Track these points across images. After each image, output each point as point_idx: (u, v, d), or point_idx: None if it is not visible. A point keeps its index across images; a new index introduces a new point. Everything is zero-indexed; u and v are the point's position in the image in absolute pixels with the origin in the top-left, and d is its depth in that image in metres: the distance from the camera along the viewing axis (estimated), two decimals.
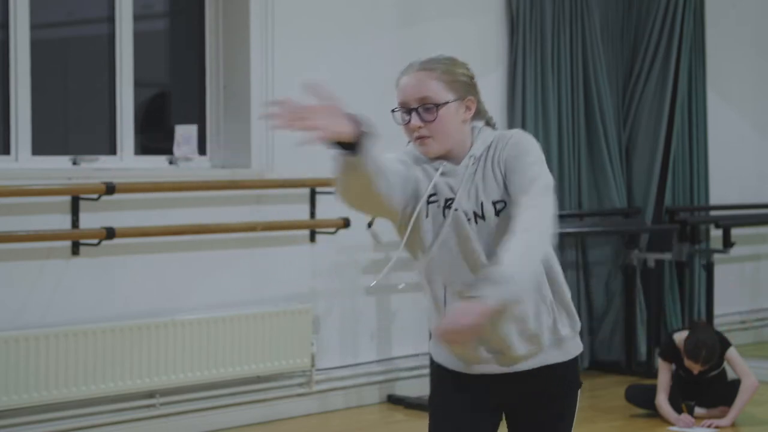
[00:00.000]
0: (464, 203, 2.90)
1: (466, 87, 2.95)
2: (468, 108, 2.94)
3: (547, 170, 2.87)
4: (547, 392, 3.01)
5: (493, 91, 7.39)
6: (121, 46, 6.07)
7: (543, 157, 2.90)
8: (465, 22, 7.26)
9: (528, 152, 2.87)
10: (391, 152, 3.02)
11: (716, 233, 8.26)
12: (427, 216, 2.92)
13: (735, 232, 8.25)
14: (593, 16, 7.75)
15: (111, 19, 6.07)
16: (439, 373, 3.08)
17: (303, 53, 6.48)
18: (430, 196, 2.92)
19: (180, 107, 6.60)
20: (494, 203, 2.88)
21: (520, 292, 2.71)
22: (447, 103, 2.90)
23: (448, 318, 2.67)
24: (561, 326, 2.98)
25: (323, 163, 7.07)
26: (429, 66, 2.95)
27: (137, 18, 6.13)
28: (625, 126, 8.15)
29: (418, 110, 2.90)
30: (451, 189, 2.91)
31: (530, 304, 2.92)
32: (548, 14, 7.48)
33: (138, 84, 6.14)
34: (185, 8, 6.56)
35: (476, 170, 2.91)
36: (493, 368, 2.97)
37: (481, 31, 7.35)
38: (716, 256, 8.20)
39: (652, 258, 7.76)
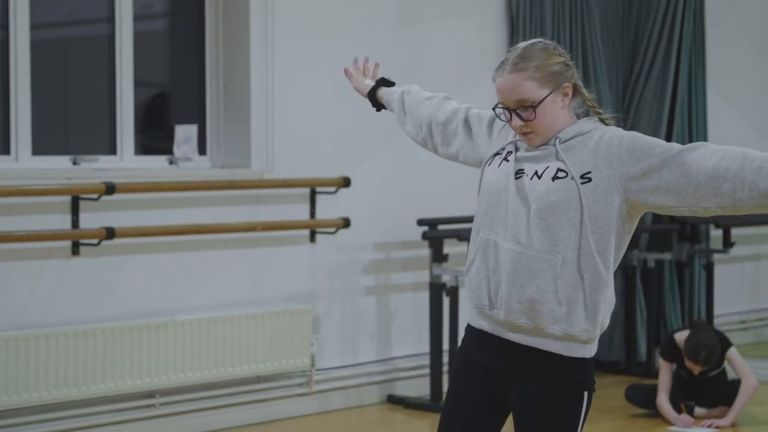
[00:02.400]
0: (523, 161, 3.03)
1: (561, 75, 3.01)
2: (565, 94, 3.02)
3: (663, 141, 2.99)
4: (547, 382, 3.02)
5: (493, 92, 7.37)
6: (121, 46, 6.07)
7: (653, 139, 2.99)
8: (465, 22, 7.26)
9: (644, 148, 2.95)
10: (475, 109, 3.30)
11: (716, 233, 8.26)
12: (489, 164, 3.11)
13: (735, 232, 8.25)
14: (593, 16, 7.74)
15: (111, 19, 6.07)
16: (459, 358, 3.17)
17: (303, 53, 6.48)
18: (499, 152, 3.10)
19: (180, 107, 6.60)
20: (558, 171, 2.96)
21: None
22: (543, 100, 2.97)
23: None
24: (575, 323, 2.98)
25: (323, 163, 7.10)
26: (521, 66, 2.99)
27: (137, 18, 6.13)
28: (625, 126, 8.09)
29: (517, 111, 2.99)
30: (517, 148, 3.06)
31: (561, 286, 2.96)
32: (548, 14, 7.48)
33: (138, 84, 6.13)
34: (185, 8, 6.56)
35: (560, 144, 2.99)
36: (496, 327, 3.05)
37: (481, 31, 7.34)
38: (716, 256, 8.20)
39: (652, 258, 7.76)
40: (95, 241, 5.65)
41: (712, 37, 8.51)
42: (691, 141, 8.35)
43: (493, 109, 3.08)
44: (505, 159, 3.05)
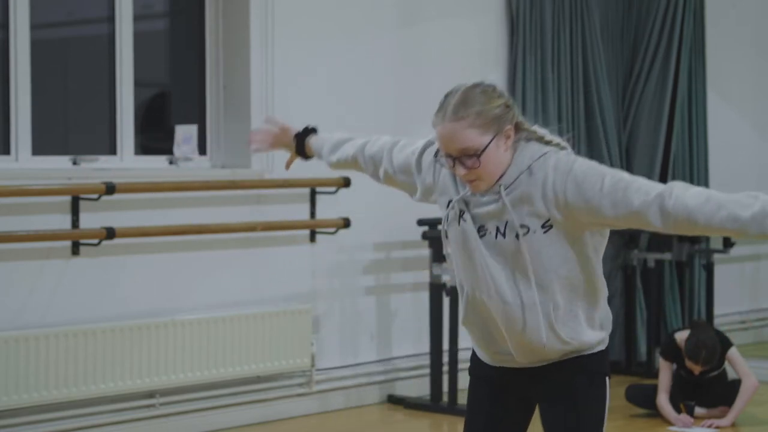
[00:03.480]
0: (480, 218, 2.96)
1: (502, 119, 2.90)
2: (508, 136, 2.91)
3: (616, 172, 2.89)
4: (570, 378, 3.06)
5: None
6: (121, 46, 6.07)
7: (603, 169, 2.89)
8: (465, 22, 7.26)
9: (593, 182, 2.86)
10: (410, 148, 3.16)
11: None
12: (447, 219, 3.03)
13: None
14: (593, 16, 7.74)
15: (111, 19, 6.07)
16: (474, 372, 3.20)
17: (303, 53, 6.48)
18: (452, 205, 3.02)
19: (180, 107, 6.60)
20: (519, 226, 2.91)
21: None
22: (486, 147, 2.87)
23: None
24: (585, 342, 3.03)
25: (323, 163, 7.06)
26: (461, 114, 2.87)
27: (137, 18, 6.13)
28: (625, 126, 8.14)
29: (461, 159, 2.89)
30: (468, 204, 2.98)
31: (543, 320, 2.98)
32: (548, 14, 7.48)
33: (138, 84, 6.13)
34: (185, 8, 6.56)
35: (508, 195, 2.92)
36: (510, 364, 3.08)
37: (481, 31, 7.35)
38: (716, 256, 8.20)
39: (652, 258, 7.76)
40: (95, 241, 5.65)
41: (712, 37, 8.51)
42: (691, 141, 8.36)
43: (435, 155, 3.02)
44: (462, 218, 2.99)
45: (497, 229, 2.94)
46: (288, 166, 3.56)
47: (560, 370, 3.05)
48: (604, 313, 3.10)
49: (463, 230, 2.99)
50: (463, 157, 2.88)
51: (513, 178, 2.91)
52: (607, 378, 3.12)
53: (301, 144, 3.51)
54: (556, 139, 2.97)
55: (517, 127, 2.94)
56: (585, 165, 2.90)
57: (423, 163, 3.13)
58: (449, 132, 2.88)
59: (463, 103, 2.88)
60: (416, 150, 3.16)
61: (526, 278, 2.94)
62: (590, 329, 3.03)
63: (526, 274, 2.94)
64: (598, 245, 3.02)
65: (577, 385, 3.06)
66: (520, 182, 2.91)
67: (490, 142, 2.87)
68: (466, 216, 2.98)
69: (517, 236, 2.92)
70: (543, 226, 2.90)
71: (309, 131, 3.53)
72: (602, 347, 3.09)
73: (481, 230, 2.96)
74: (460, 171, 2.90)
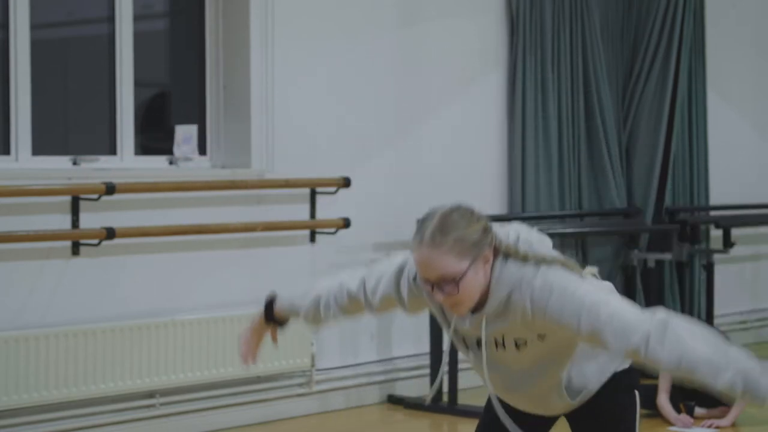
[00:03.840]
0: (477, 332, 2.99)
1: (480, 244, 2.85)
2: (486, 260, 2.88)
3: (593, 303, 2.82)
4: (598, 399, 3.13)
5: (493, 91, 7.40)
6: (121, 46, 6.07)
7: (580, 300, 2.83)
8: (465, 22, 7.26)
9: (569, 320, 2.83)
10: (383, 282, 3.10)
11: (716, 233, 8.26)
12: (447, 329, 3.06)
13: (735, 232, 8.25)
14: (593, 16, 7.74)
15: (111, 19, 6.07)
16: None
17: (303, 53, 6.48)
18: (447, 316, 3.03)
19: (180, 107, 6.60)
20: (515, 340, 2.95)
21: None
22: (465, 273, 2.83)
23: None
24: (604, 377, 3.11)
25: (323, 163, 7.09)
26: (438, 240, 2.82)
27: (137, 18, 6.12)
28: (625, 126, 8.14)
29: (440, 285, 2.85)
30: (465, 333, 3.01)
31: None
32: (548, 14, 7.48)
33: (138, 84, 6.13)
34: (185, 8, 6.56)
35: (493, 321, 2.94)
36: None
37: (481, 31, 7.34)
38: (716, 256, 8.20)
39: (652, 258, 7.76)
40: (95, 241, 5.64)
41: (712, 37, 8.52)
42: (691, 141, 8.36)
43: (414, 279, 3.00)
44: (455, 332, 3.01)
45: (495, 341, 2.97)
46: (275, 340, 3.46)
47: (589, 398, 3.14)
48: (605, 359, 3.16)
49: (464, 343, 3.04)
50: (441, 283, 2.84)
51: (493, 308, 2.90)
52: (636, 391, 3.17)
53: (269, 314, 3.37)
54: (532, 253, 2.91)
55: (495, 250, 2.90)
56: (560, 299, 2.84)
57: (402, 291, 3.08)
58: (426, 258, 2.83)
59: (441, 229, 2.83)
60: (389, 281, 3.10)
61: (532, 377, 3.02)
62: (608, 372, 3.11)
63: (532, 373, 3.02)
64: None
65: (606, 399, 3.10)
66: (501, 312, 2.90)
67: (468, 269, 2.82)
68: (464, 334, 3.01)
69: (517, 346, 2.96)
70: (539, 336, 2.93)
71: (271, 301, 3.37)
72: (626, 364, 3.13)
73: (480, 343, 2.98)
74: (439, 296, 2.86)
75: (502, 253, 2.89)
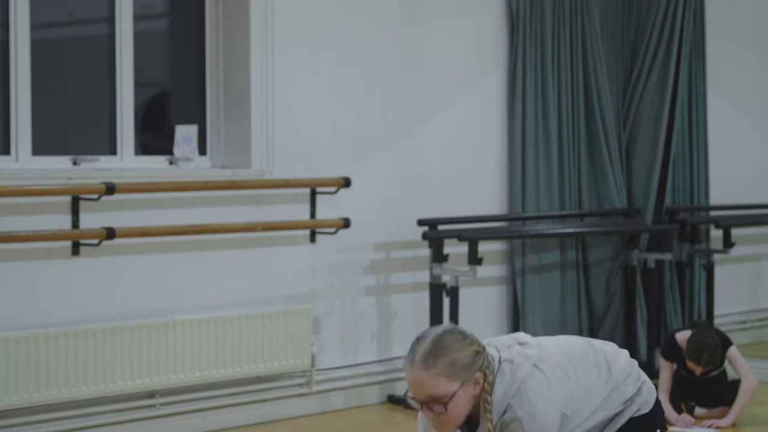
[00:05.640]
0: None
1: (471, 367, 2.95)
2: (476, 382, 2.96)
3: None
4: None
5: (493, 91, 7.40)
6: (121, 46, 6.07)
7: (537, 413, 2.95)
8: (465, 22, 7.26)
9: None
10: None
11: (716, 233, 8.26)
12: None
13: (735, 232, 8.24)
14: (593, 16, 7.74)
15: (111, 19, 6.07)
16: None
17: (303, 53, 6.48)
18: None
19: (180, 107, 6.60)
20: None
21: None
22: (454, 394, 2.93)
23: None
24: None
25: (323, 163, 7.09)
26: (430, 362, 2.93)
27: (137, 18, 6.13)
28: (625, 126, 8.14)
29: (429, 404, 2.95)
30: None
31: None
32: (548, 14, 7.48)
33: (138, 84, 6.14)
34: (185, 8, 6.56)
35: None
36: None
37: (481, 31, 7.35)
38: (716, 256, 8.20)
39: (652, 258, 7.75)
40: (95, 241, 5.65)
41: (712, 37, 8.51)
42: (691, 141, 8.36)
43: (405, 396, 3.07)
44: None
45: None
46: None
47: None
48: (630, 402, 3.19)
49: None
50: (430, 403, 2.94)
51: (487, 428, 2.99)
52: (658, 431, 3.22)
53: None
54: (521, 369, 2.99)
55: (486, 375, 2.97)
56: (526, 410, 2.95)
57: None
58: (417, 379, 2.95)
59: (433, 351, 2.93)
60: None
61: None
62: (615, 425, 3.18)
63: None
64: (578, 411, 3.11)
65: None
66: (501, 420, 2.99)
67: (457, 391, 2.92)
68: None
69: None
70: None
71: None
72: (645, 410, 3.19)
73: None
74: (428, 415, 2.96)
75: (490, 378, 2.97)
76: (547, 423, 2.94)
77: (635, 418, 3.14)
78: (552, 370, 3.03)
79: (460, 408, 2.93)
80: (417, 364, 2.93)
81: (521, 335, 3.11)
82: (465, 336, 2.97)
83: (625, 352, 3.29)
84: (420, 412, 3.10)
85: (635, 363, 3.25)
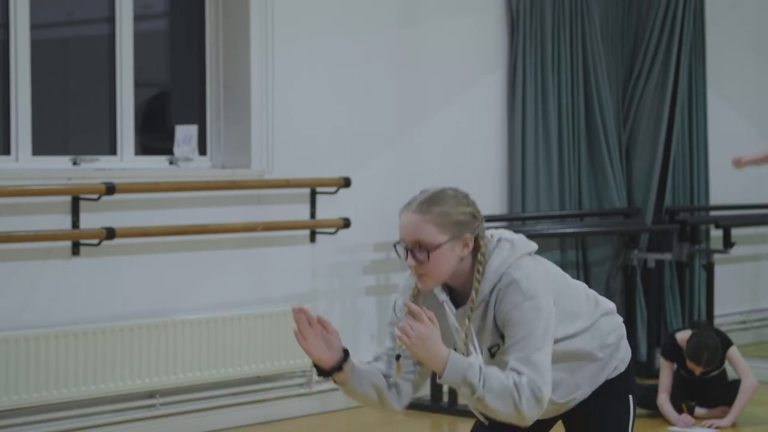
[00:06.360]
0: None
1: (464, 225, 2.99)
2: (466, 245, 2.99)
3: (539, 320, 2.93)
4: (590, 403, 3.16)
5: (493, 91, 7.40)
6: (121, 46, 6.07)
7: (538, 305, 2.93)
8: (465, 22, 7.25)
9: (521, 309, 2.93)
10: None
11: (716, 233, 8.26)
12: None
13: (735, 232, 8.24)
14: (593, 16, 7.74)
15: (111, 19, 6.07)
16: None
17: (303, 53, 6.48)
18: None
19: (180, 107, 6.60)
20: (489, 348, 3.03)
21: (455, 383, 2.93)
22: (440, 245, 2.95)
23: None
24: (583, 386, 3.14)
25: (323, 163, 7.09)
26: (425, 208, 2.98)
27: (137, 18, 6.13)
28: (625, 126, 8.14)
29: (414, 251, 2.98)
30: (453, 333, 3.07)
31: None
32: (548, 14, 7.48)
33: (138, 84, 6.13)
34: (185, 8, 6.56)
35: (477, 316, 3.01)
36: None
37: (481, 31, 7.34)
38: (716, 256, 8.20)
39: (652, 258, 7.75)
40: (95, 241, 5.65)
41: (712, 37, 8.51)
42: (691, 141, 8.36)
43: (395, 245, 3.08)
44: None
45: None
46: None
47: (582, 401, 3.16)
48: (610, 351, 3.15)
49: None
50: (415, 249, 2.97)
51: (477, 305, 2.99)
52: (630, 396, 3.19)
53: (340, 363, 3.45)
54: (521, 249, 3.02)
55: (476, 242, 3.01)
56: (528, 306, 2.94)
57: (398, 314, 3.23)
58: (409, 222, 2.99)
59: (431, 200, 2.99)
60: (390, 317, 3.31)
61: None
62: (597, 379, 3.14)
63: None
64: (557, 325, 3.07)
65: (599, 405, 3.14)
66: (483, 310, 3.00)
67: (444, 243, 2.95)
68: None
69: (492, 355, 3.02)
70: (502, 339, 3.00)
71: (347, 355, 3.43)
72: (621, 369, 3.16)
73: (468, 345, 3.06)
74: (410, 261, 2.99)
75: (486, 249, 3.00)
76: (542, 290, 2.94)
77: (610, 380, 3.13)
78: (550, 266, 3.10)
79: (443, 262, 2.96)
80: (413, 208, 2.99)
81: None
82: (466, 197, 3.03)
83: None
84: (406, 276, 3.15)
85: (621, 319, 3.25)
